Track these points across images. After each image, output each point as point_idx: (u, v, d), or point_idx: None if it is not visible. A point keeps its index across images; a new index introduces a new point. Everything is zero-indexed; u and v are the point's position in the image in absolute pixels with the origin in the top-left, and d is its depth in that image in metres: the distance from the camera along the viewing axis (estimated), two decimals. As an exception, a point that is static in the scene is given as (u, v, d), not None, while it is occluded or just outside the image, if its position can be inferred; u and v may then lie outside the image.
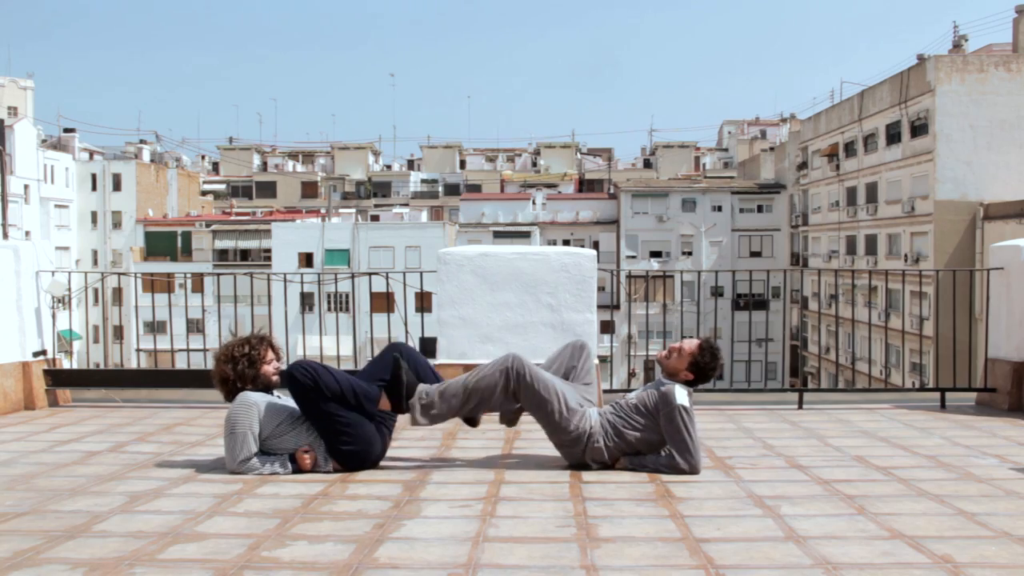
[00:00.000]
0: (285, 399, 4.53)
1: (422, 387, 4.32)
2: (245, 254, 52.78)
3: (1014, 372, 6.34)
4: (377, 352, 4.67)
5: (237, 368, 4.38)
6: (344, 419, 4.27)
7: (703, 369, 4.45)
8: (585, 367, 4.59)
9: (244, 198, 68.36)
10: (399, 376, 4.27)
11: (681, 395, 4.30)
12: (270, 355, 4.47)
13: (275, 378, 4.48)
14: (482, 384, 4.28)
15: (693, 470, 4.26)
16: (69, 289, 6.80)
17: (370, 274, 7.28)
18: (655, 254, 51.35)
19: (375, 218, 57.65)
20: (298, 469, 4.27)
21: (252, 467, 4.26)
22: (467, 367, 4.58)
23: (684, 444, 4.26)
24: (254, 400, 4.33)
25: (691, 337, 4.63)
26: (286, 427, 4.34)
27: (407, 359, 4.40)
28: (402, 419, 4.48)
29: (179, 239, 53.60)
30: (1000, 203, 32.39)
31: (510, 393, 4.30)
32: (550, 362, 4.63)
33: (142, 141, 67.42)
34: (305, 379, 4.21)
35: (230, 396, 4.39)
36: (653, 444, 4.35)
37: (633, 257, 51.09)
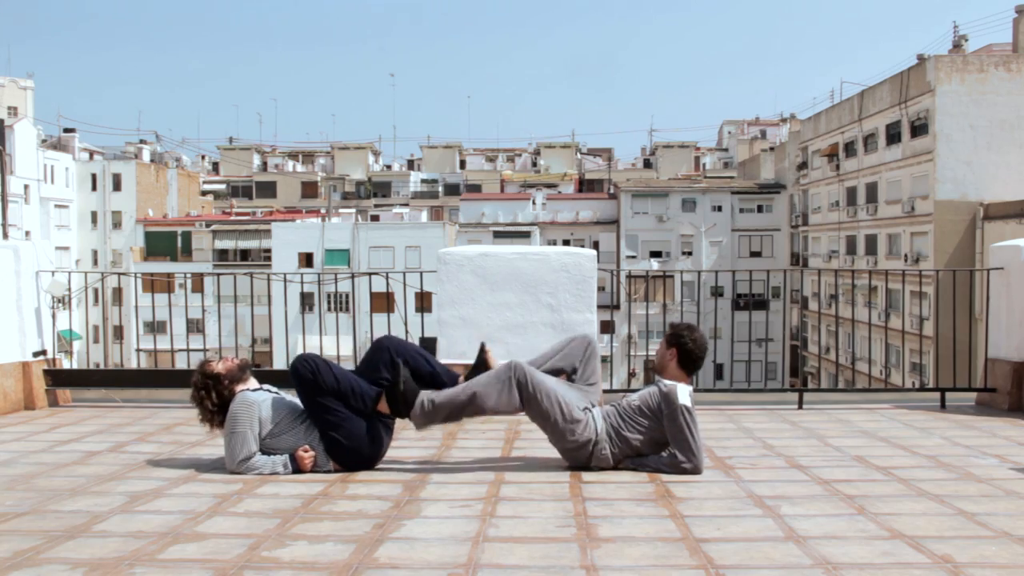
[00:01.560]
0: (283, 394, 4.53)
1: (424, 395, 4.35)
2: (245, 254, 52.79)
3: (1014, 372, 6.34)
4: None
5: (209, 398, 4.37)
6: (339, 414, 4.29)
7: (679, 336, 4.46)
8: (590, 367, 4.57)
9: (244, 198, 68.36)
10: (398, 385, 4.31)
11: (684, 395, 4.32)
12: (214, 363, 4.47)
13: (234, 362, 4.47)
14: (483, 396, 4.31)
15: (695, 470, 4.26)
16: (69, 289, 6.80)
17: (370, 274, 7.27)
18: (655, 254, 51.35)
19: (375, 218, 57.65)
20: (298, 469, 4.27)
21: (252, 467, 4.26)
22: (467, 367, 4.58)
23: (687, 444, 4.27)
24: (255, 399, 4.33)
25: None
26: (286, 425, 4.34)
27: (402, 355, 4.40)
28: (402, 420, 4.48)
29: (179, 239, 53.61)
30: (1000, 203, 32.39)
31: (508, 401, 4.31)
32: (553, 351, 4.61)
33: (142, 141, 67.43)
34: (305, 371, 4.30)
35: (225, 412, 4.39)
36: (657, 444, 4.36)
37: (633, 257, 51.09)
